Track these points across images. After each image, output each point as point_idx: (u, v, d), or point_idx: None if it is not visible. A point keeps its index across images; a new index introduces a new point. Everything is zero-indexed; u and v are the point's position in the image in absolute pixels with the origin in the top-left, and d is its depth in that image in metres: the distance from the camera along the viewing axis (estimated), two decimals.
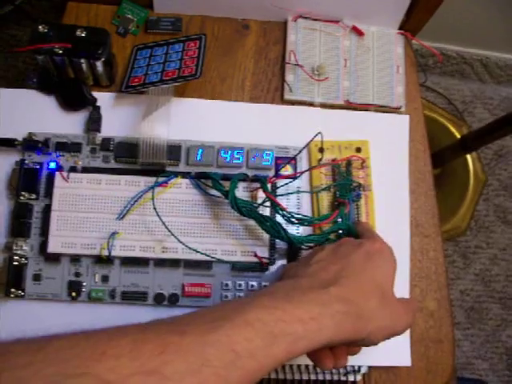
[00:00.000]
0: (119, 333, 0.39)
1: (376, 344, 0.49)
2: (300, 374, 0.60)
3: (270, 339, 0.40)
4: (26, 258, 0.59)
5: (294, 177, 0.61)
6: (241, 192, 0.60)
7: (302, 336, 0.42)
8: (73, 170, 0.61)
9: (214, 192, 0.59)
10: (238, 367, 0.39)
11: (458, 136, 1.45)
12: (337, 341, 0.44)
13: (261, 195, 0.59)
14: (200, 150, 0.61)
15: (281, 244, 0.60)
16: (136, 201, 0.59)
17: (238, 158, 0.62)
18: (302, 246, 0.58)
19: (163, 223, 0.57)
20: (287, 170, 0.63)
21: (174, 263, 0.59)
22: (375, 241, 0.54)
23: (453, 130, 1.46)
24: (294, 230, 0.61)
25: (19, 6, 0.79)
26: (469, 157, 1.44)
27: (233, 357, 0.38)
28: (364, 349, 0.60)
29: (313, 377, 0.60)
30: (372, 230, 0.59)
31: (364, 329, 0.46)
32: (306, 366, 0.60)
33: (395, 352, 0.61)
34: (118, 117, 0.64)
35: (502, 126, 1.11)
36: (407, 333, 0.61)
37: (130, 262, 0.59)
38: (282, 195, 0.61)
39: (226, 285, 0.59)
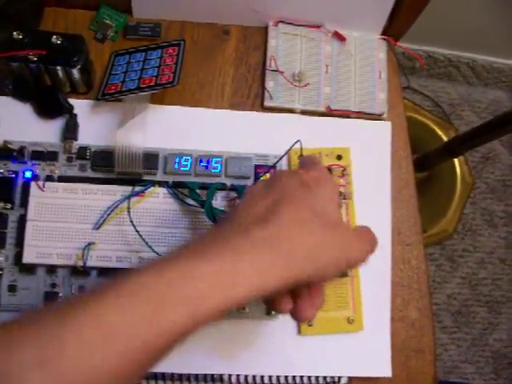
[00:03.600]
0: None
1: (330, 279, 0.46)
2: None
3: (156, 308, 0.35)
4: (1, 269, 0.58)
5: None
6: (219, 201, 0.59)
7: (207, 295, 0.36)
8: (49, 178, 0.60)
9: (191, 201, 0.59)
10: (114, 350, 0.33)
11: (445, 139, 1.45)
12: (270, 290, 0.39)
13: None
14: (177, 159, 0.61)
15: None
16: (112, 210, 0.58)
17: (216, 167, 0.61)
18: None
19: (138, 233, 0.56)
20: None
21: None
22: (311, 169, 0.49)
23: (440, 132, 1.46)
24: None
25: (1, 9, 0.78)
26: (456, 160, 1.44)
27: (101, 340, 0.33)
28: (344, 359, 0.60)
29: None
30: (314, 161, 0.53)
31: (303, 268, 0.41)
32: (286, 378, 0.59)
33: (375, 362, 0.61)
34: (94, 125, 0.63)
35: (489, 130, 1.11)
36: (388, 342, 0.61)
37: (106, 272, 0.58)
38: None
39: None
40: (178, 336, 0.36)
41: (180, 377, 0.58)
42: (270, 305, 0.46)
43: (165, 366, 0.57)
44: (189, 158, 0.61)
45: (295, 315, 0.46)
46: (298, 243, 0.41)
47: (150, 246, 0.56)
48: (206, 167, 0.61)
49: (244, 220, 0.43)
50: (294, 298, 0.45)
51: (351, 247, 0.45)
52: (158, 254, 0.56)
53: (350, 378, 0.60)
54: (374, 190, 0.64)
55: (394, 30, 0.71)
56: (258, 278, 0.38)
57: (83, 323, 0.33)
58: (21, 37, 0.59)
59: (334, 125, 0.66)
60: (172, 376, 0.58)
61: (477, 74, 1.49)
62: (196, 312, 0.36)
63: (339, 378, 0.60)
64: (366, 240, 0.47)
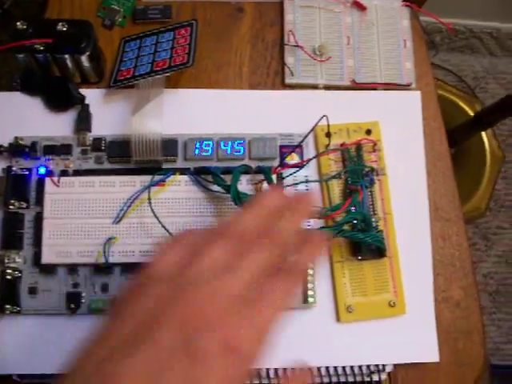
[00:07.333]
0: None
1: None
2: (320, 377, 0.55)
3: None
4: (20, 271, 0.55)
5: (300, 165, 0.57)
6: (244, 185, 0.56)
7: None
8: (64, 173, 0.57)
9: (216, 188, 0.55)
10: None
11: (471, 113, 1.40)
12: None
13: (266, 187, 0.55)
14: (198, 144, 0.57)
15: None
16: (132, 202, 0.55)
17: (239, 150, 0.57)
18: None
19: (161, 224, 0.53)
20: (293, 159, 0.58)
21: None
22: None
23: (465, 107, 1.41)
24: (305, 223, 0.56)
25: (7, 10, 0.75)
26: (484, 134, 1.39)
27: None
28: (388, 345, 0.56)
29: (334, 379, 0.56)
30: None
31: None
32: (327, 368, 0.55)
33: (421, 347, 0.57)
34: (108, 114, 0.60)
35: None
36: (433, 325, 0.57)
37: (130, 268, 0.55)
38: (289, 186, 0.57)
39: None
40: None
41: None
42: None
43: None
44: (209, 142, 0.58)
45: None
46: None
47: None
48: (229, 151, 0.57)
49: None
50: None
51: None
52: None
53: (396, 366, 0.57)
54: (407, 164, 0.61)
55: None
56: None
57: None
58: (25, 27, 0.56)
59: (360, 98, 0.63)
60: None
61: (501, 45, 1.44)
62: None
63: (384, 366, 0.56)
64: None
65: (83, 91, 0.60)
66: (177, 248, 0.37)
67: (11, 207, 0.56)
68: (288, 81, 0.63)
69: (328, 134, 0.59)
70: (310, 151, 0.59)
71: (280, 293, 0.35)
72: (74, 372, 0.31)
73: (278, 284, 0.35)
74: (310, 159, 0.57)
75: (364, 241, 0.55)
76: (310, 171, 0.58)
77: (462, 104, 1.41)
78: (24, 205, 0.56)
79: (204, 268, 0.34)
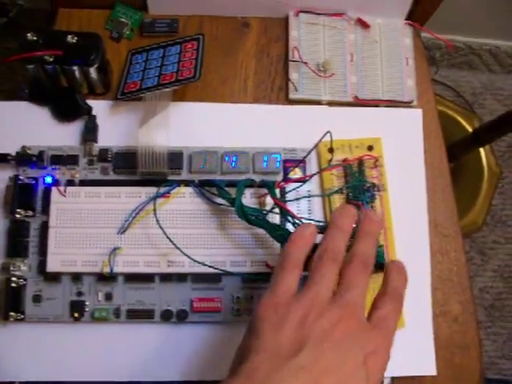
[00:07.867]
0: None
1: None
2: None
3: None
4: (25, 279, 0.56)
5: (303, 180, 0.58)
6: (248, 199, 0.57)
7: None
8: (70, 183, 0.58)
9: (220, 200, 0.56)
10: None
11: (469, 129, 1.41)
12: None
13: (269, 201, 0.56)
14: (203, 157, 0.58)
15: None
16: (137, 213, 0.56)
17: (243, 163, 0.58)
18: None
19: (166, 236, 0.54)
20: (296, 174, 0.59)
21: (181, 277, 0.56)
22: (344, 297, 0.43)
23: (463, 123, 1.42)
24: None
25: (13, 18, 0.76)
26: (482, 150, 1.40)
27: None
28: None
29: None
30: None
31: None
32: None
33: (419, 360, 0.58)
34: (115, 125, 0.61)
35: None
36: (431, 339, 0.58)
37: (134, 278, 0.56)
38: (291, 200, 0.58)
39: (238, 298, 0.56)
40: None
41: None
42: None
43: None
44: (214, 155, 0.58)
45: None
46: None
47: (178, 248, 0.54)
48: (233, 164, 0.58)
49: None
50: None
51: None
52: (187, 256, 0.54)
53: (393, 379, 0.57)
54: (408, 180, 0.62)
55: (418, 14, 0.68)
56: None
57: None
58: (35, 38, 0.57)
59: (362, 115, 0.64)
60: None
61: (499, 61, 1.45)
62: None
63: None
64: None
65: (90, 102, 0.61)
66: (296, 273, 0.43)
67: (17, 216, 0.57)
68: (292, 96, 0.64)
69: (331, 150, 0.60)
70: (312, 166, 0.60)
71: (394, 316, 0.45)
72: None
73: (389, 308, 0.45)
74: (313, 174, 0.58)
75: None
76: (312, 186, 0.59)
77: (460, 119, 1.42)
78: (30, 213, 0.57)
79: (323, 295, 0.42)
